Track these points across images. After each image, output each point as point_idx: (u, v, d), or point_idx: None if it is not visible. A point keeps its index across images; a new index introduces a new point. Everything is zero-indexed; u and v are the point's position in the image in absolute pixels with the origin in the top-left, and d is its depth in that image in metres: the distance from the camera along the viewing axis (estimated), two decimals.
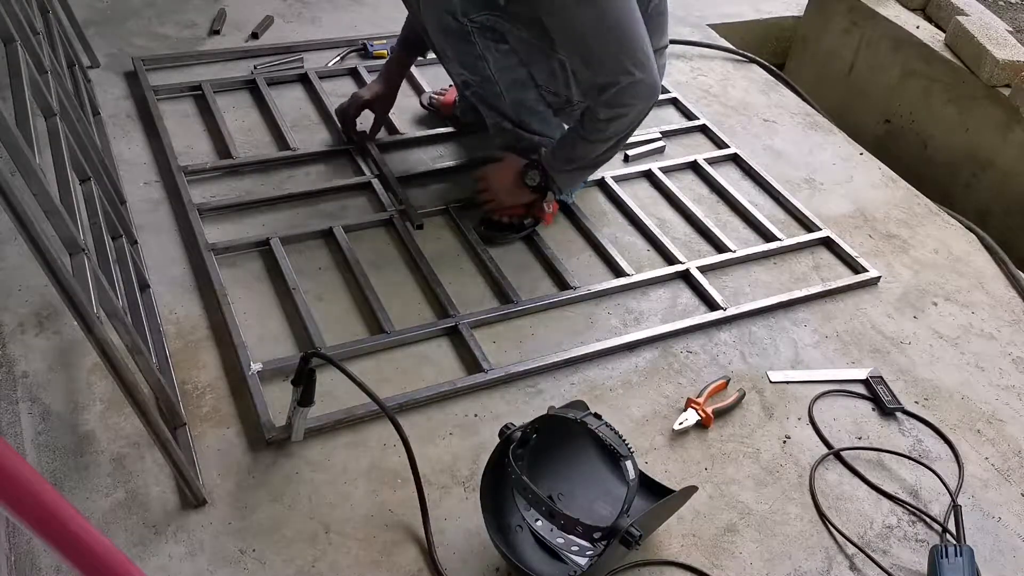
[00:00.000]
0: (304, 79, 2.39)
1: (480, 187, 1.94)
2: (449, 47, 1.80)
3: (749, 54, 2.83)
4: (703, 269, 1.92)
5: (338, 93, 2.35)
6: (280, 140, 2.14)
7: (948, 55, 2.62)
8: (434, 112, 2.29)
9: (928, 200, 2.31)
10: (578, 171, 1.87)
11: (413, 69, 2.43)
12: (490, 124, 1.94)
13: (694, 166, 2.28)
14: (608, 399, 1.62)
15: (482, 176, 1.94)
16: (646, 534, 1.27)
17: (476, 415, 1.56)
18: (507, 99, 1.84)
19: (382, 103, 2.11)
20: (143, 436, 1.41)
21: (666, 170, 2.23)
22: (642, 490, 1.37)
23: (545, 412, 1.34)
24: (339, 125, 2.15)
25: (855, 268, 2.01)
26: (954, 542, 1.44)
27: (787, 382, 1.71)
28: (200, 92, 2.27)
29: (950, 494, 1.52)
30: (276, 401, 1.51)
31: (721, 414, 1.61)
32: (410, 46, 2.11)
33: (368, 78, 2.39)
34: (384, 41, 2.54)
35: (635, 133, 2.25)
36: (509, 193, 1.89)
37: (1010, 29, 2.63)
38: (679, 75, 2.68)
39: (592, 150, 1.79)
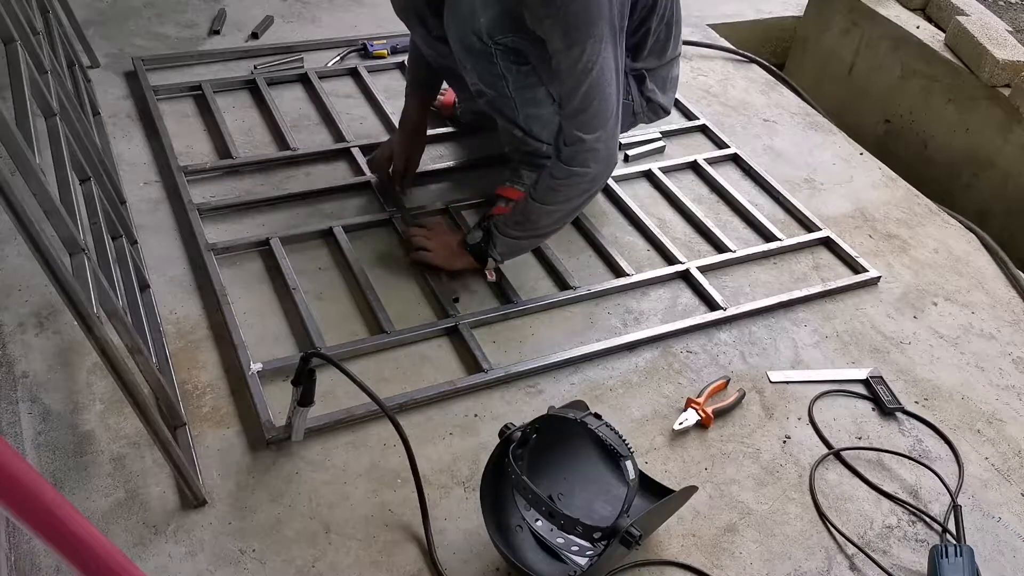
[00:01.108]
0: (304, 79, 2.39)
1: (417, 233, 1.83)
2: (469, 63, 1.77)
3: (749, 54, 2.83)
4: (703, 269, 1.92)
5: (338, 93, 2.35)
6: (280, 140, 2.14)
7: (948, 55, 2.62)
8: (434, 112, 2.29)
9: (928, 200, 2.31)
10: (524, 239, 1.74)
11: None
12: (500, 128, 1.94)
13: (694, 166, 2.28)
14: (608, 399, 1.62)
15: (424, 228, 1.85)
16: (646, 534, 1.27)
17: (476, 415, 1.56)
18: (520, 113, 1.83)
19: (415, 155, 2.02)
20: (143, 436, 1.41)
21: (666, 170, 2.23)
22: (642, 490, 1.37)
23: (545, 412, 1.34)
24: (376, 182, 2.03)
25: (855, 268, 2.01)
26: (954, 542, 1.44)
27: (787, 382, 1.71)
28: (200, 92, 2.27)
29: (950, 494, 1.52)
30: (276, 401, 1.50)
31: (721, 414, 1.61)
32: (422, 85, 2.02)
33: (368, 78, 2.40)
34: (384, 41, 2.54)
35: (635, 134, 2.28)
36: (447, 254, 1.79)
37: (1010, 29, 2.63)
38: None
39: (541, 215, 1.69)
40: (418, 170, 2.07)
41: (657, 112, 2.00)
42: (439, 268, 1.80)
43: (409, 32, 1.93)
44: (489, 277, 1.80)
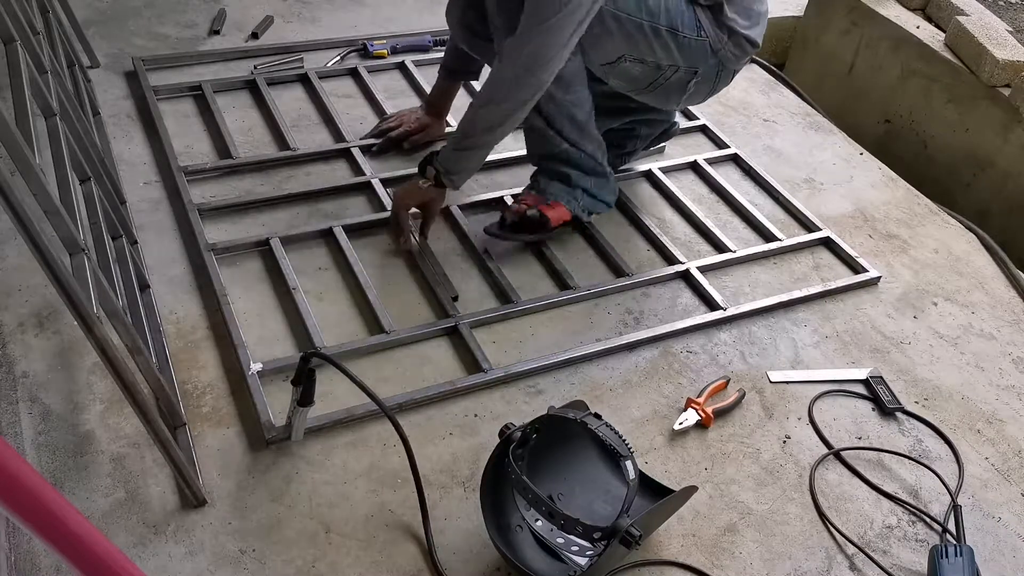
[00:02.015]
0: (304, 79, 2.39)
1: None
2: (502, 20, 1.70)
3: None
4: (703, 269, 1.92)
5: (338, 93, 2.35)
6: (280, 140, 2.14)
7: (948, 55, 2.62)
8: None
9: (928, 200, 2.31)
10: (462, 150, 1.75)
11: (416, 72, 2.43)
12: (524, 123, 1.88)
13: (694, 166, 2.28)
14: (608, 399, 1.62)
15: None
16: (646, 534, 1.27)
17: (476, 415, 1.56)
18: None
19: (432, 128, 2.15)
20: (143, 436, 1.41)
21: (666, 170, 2.23)
22: (642, 490, 1.37)
23: (545, 412, 1.34)
24: (384, 132, 2.16)
25: (855, 268, 2.01)
26: (954, 542, 1.44)
27: (787, 382, 1.71)
28: (200, 92, 2.27)
29: (950, 494, 1.52)
30: (276, 401, 1.50)
31: (721, 414, 1.61)
32: (454, 73, 2.11)
33: (368, 78, 2.40)
34: (384, 41, 2.54)
35: None
36: (409, 189, 1.83)
37: (1010, 29, 2.63)
38: None
39: (476, 117, 1.70)
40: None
41: (743, 47, 1.80)
42: (415, 206, 1.84)
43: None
44: (421, 184, 1.80)
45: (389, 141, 2.14)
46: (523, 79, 1.64)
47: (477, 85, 2.28)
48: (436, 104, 2.18)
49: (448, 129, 2.21)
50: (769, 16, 3.15)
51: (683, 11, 1.71)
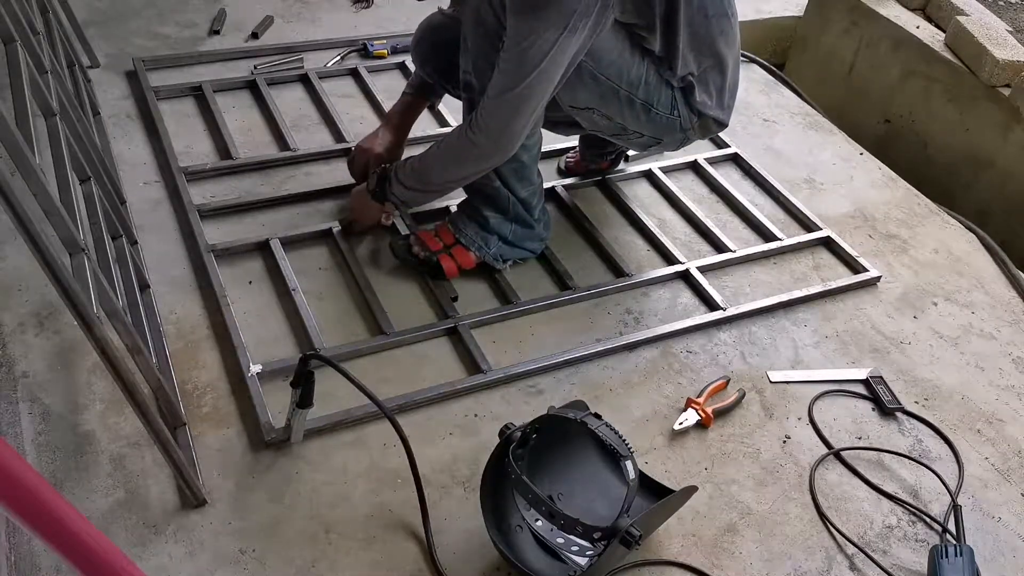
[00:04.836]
0: (304, 79, 2.39)
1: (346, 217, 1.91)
2: (473, 39, 1.62)
3: (749, 54, 2.83)
4: (703, 269, 1.92)
5: (338, 93, 2.35)
6: (280, 140, 2.14)
7: (948, 55, 2.62)
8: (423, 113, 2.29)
9: (928, 200, 2.31)
10: (415, 190, 1.73)
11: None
12: None
13: (694, 166, 2.28)
14: (608, 399, 1.62)
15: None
16: (646, 534, 1.27)
17: (476, 415, 1.56)
18: None
19: (394, 154, 1.98)
20: (143, 436, 1.41)
21: (666, 170, 2.23)
22: (642, 490, 1.37)
23: (545, 412, 1.34)
24: (355, 179, 1.98)
25: (855, 268, 2.01)
26: (954, 542, 1.44)
27: (787, 382, 1.71)
28: (200, 92, 2.27)
29: (950, 494, 1.52)
30: (276, 402, 1.50)
31: (721, 414, 1.61)
32: (422, 90, 2.00)
33: (368, 78, 2.40)
34: (384, 41, 2.54)
35: None
36: (361, 209, 1.85)
37: (1010, 29, 2.63)
38: None
39: (432, 170, 1.70)
40: None
41: (710, 128, 1.83)
42: (367, 226, 1.87)
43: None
44: (384, 221, 1.83)
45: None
46: (494, 153, 1.63)
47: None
48: (398, 121, 2.01)
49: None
50: (769, 16, 3.20)
51: (661, 89, 1.69)
